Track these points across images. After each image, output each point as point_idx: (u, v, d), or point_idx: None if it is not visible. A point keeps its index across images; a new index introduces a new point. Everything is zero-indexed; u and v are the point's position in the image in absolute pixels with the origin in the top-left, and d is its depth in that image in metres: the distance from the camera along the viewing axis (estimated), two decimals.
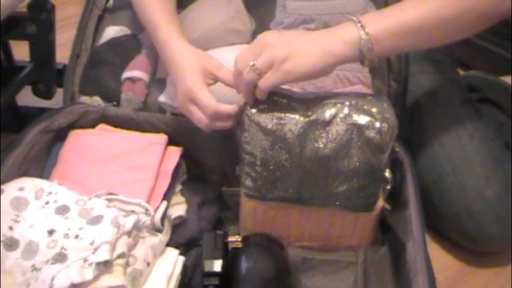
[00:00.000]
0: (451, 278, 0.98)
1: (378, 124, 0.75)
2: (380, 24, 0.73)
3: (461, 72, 1.16)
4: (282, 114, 0.76)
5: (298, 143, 0.76)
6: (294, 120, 0.76)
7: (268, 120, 0.76)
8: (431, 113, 1.04)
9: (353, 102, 0.76)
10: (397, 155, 0.84)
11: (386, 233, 0.85)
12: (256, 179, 0.78)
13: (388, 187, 0.81)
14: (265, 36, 0.75)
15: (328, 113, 0.76)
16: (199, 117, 0.79)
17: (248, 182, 0.79)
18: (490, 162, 0.97)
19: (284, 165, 0.77)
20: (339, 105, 0.76)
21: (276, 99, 0.78)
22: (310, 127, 0.76)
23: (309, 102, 0.78)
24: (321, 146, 0.76)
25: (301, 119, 0.76)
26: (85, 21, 1.01)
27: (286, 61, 0.71)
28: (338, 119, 0.75)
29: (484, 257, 1.00)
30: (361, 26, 0.72)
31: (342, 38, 0.72)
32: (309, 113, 0.76)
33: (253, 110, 0.77)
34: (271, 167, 0.77)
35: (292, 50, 0.71)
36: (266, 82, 0.73)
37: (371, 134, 0.75)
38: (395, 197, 0.83)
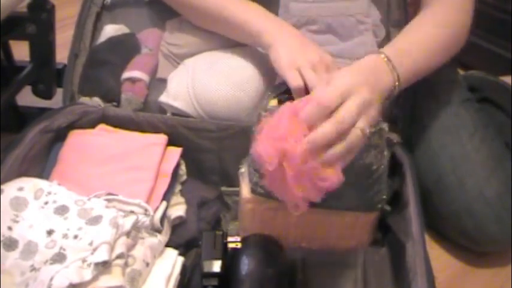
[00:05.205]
0: (451, 278, 0.98)
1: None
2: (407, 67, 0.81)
3: (461, 72, 1.16)
4: None
5: None
6: None
7: None
8: (432, 113, 1.03)
9: None
10: (397, 156, 0.84)
11: (386, 233, 0.85)
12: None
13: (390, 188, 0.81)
14: (344, 79, 0.72)
15: None
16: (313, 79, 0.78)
17: (256, 179, 0.78)
18: (490, 162, 0.97)
19: None
20: None
21: None
22: None
23: None
24: None
25: None
26: (83, 19, 1.00)
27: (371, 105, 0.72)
28: None
29: (484, 257, 1.00)
30: (397, 76, 0.79)
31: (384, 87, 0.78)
32: None
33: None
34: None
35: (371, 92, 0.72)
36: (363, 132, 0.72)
37: None
38: (395, 198, 0.83)
